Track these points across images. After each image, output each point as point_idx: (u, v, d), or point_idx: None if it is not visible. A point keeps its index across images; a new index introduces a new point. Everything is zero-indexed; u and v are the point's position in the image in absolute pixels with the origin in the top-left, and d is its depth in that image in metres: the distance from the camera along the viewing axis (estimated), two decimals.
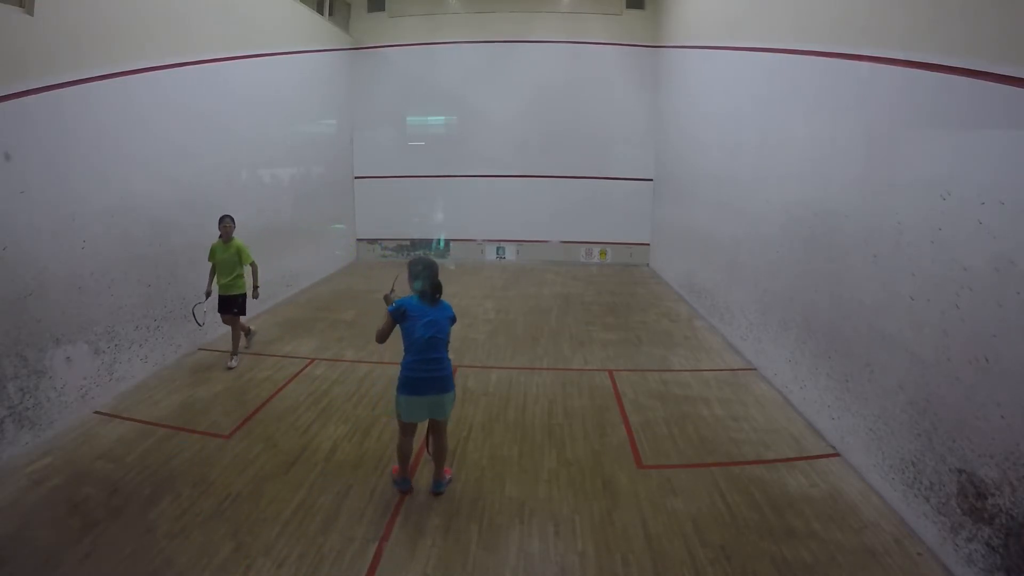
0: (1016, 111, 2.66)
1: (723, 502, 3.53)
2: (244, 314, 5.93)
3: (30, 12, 4.13)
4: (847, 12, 4.25)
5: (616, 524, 3.33)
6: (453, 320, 3.59)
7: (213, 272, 5.74)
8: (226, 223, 5.66)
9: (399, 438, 3.61)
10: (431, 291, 3.47)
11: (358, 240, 12.10)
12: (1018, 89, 2.64)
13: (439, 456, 3.62)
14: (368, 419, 4.63)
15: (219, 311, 5.84)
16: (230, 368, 5.67)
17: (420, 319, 3.41)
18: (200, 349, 6.20)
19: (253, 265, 5.80)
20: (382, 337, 3.45)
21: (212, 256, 5.74)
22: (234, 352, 5.83)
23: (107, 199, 4.94)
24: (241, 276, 5.76)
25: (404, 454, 3.61)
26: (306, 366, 5.80)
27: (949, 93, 3.11)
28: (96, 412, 4.66)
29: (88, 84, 4.70)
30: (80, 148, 4.64)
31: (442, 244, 11.99)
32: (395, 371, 5.91)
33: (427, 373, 3.40)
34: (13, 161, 4.00)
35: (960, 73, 3.00)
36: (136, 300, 5.31)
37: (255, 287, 5.88)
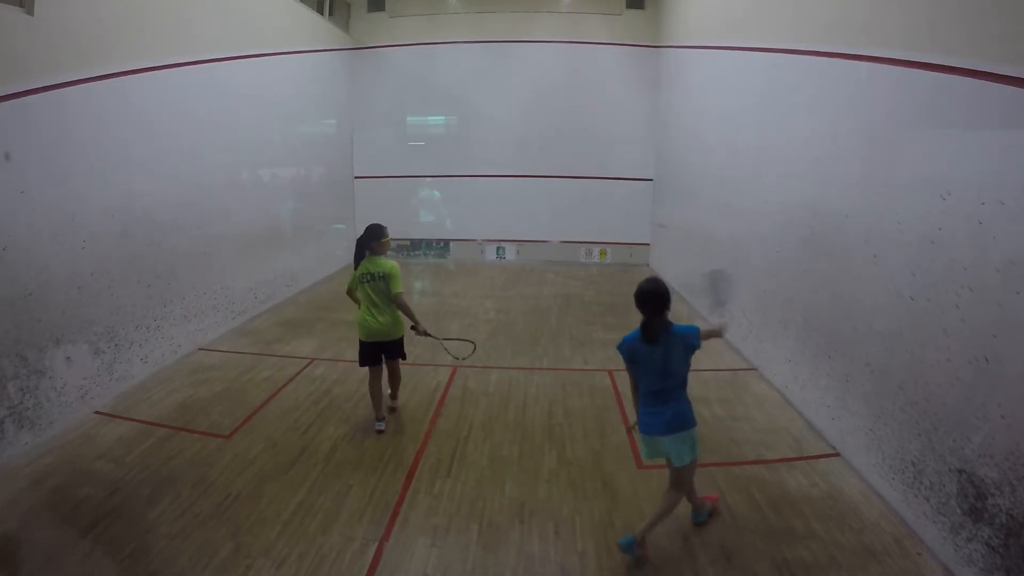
0: (1016, 111, 2.66)
1: (723, 502, 3.53)
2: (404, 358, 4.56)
3: (30, 12, 4.13)
4: (847, 12, 4.25)
5: (616, 524, 3.32)
6: (690, 348, 2.95)
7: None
8: (385, 234, 4.29)
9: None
10: (650, 321, 2.88)
11: (358, 240, 12.07)
12: (1018, 89, 2.63)
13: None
14: (368, 419, 4.63)
15: (372, 363, 4.38)
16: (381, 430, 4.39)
17: (646, 365, 2.94)
18: (200, 349, 6.20)
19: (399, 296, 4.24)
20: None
21: (355, 284, 4.32)
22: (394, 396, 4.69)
23: (107, 199, 4.94)
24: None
25: None
26: (306, 366, 5.80)
27: (949, 93, 3.11)
28: (96, 412, 4.66)
29: (88, 84, 4.70)
30: (80, 148, 4.64)
31: (434, 245, 11.95)
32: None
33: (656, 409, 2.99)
34: (13, 161, 4.00)
35: (960, 73, 2.99)
36: (136, 300, 5.31)
37: (414, 323, 4.31)
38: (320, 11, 9.94)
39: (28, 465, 3.86)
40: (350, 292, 4.45)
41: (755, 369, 5.75)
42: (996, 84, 2.75)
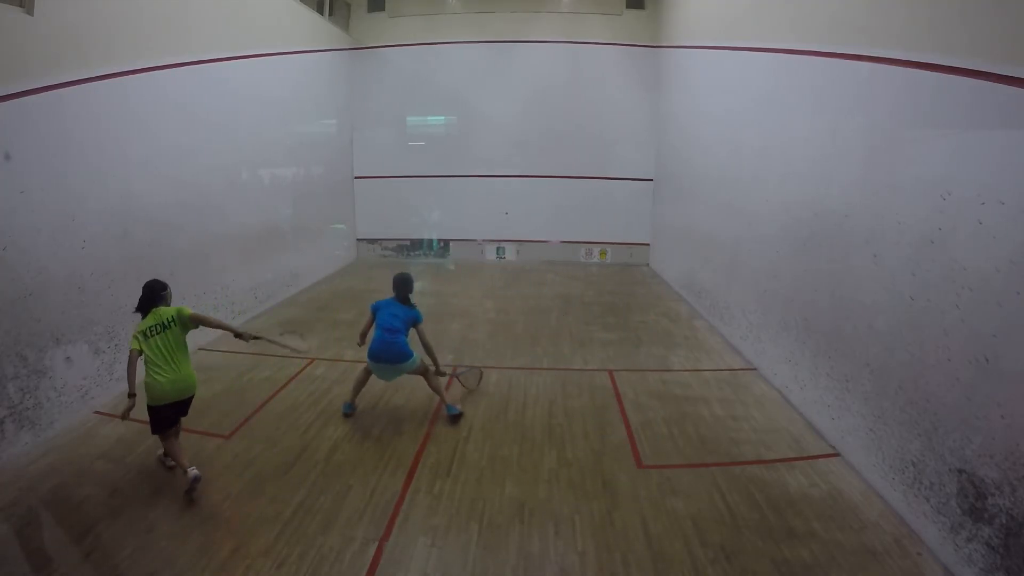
0: (1016, 111, 2.66)
1: (723, 502, 3.53)
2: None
3: (30, 12, 4.13)
4: (847, 12, 4.25)
5: (616, 524, 3.33)
6: (411, 319, 4.66)
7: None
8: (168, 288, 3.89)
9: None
10: (403, 293, 4.81)
11: (358, 240, 12.10)
12: (1018, 89, 2.64)
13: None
14: (368, 419, 4.63)
15: (170, 426, 3.71)
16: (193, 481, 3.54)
17: (386, 313, 4.63)
18: (200, 349, 6.18)
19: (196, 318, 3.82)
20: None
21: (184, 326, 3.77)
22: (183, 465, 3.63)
23: (107, 199, 4.94)
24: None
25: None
26: (306, 366, 5.79)
27: (949, 93, 3.11)
28: (96, 412, 4.66)
29: (88, 84, 4.70)
30: (80, 148, 4.64)
31: (435, 245, 12.01)
32: None
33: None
34: (13, 161, 4.00)
35: (960, 73, 3.00)
36: (136, 300, 5.29)
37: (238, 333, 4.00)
38: (320, 11, 9.94)
39: (28, 465, 3.86)
40: (135, 357, 3.63)
41: (755, 369, 5.74)
42: (996, 84, 2.76)
